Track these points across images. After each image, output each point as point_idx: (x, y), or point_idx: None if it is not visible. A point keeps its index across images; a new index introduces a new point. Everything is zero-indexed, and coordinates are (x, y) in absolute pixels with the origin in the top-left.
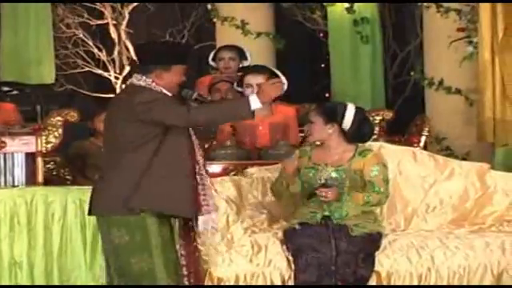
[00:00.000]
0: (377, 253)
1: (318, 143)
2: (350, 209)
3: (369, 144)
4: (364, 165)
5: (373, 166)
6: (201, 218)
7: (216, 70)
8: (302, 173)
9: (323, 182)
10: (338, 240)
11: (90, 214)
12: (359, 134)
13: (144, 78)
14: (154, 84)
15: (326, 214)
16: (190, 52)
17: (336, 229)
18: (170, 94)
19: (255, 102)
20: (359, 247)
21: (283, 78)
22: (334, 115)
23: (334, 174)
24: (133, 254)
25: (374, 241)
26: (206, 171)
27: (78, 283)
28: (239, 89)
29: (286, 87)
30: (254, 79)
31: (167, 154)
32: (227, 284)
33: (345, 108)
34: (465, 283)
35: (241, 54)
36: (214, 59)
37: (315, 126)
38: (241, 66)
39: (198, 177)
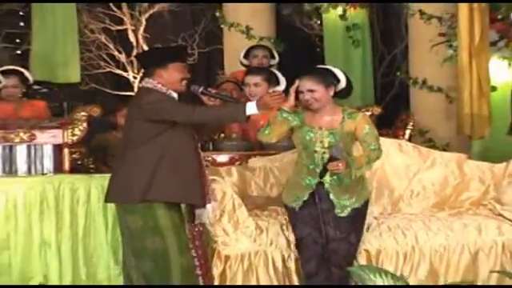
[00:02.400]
0: (366, 233)
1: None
2: (345, 175)
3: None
4: (355, 126)
5: (364, 126)
6: (208, 206)
7: (247, 67)
8: (298, 134)
9: (325, 151)
10: (326, 225)
11: (106, 201)
12: (349, 89)
13: (150, 80)
14: (159, 85)
15: (320, 180)
16: (183, 51)
17: (325, 210)
18: (174, 93)
19: (251, 109)
20: (347, 231)
21: (280, 76)
22: (331, 79)
23: (329, 138)
24: (147, 237)
25: (361, 215)
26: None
27: (101, 261)
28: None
29: (284, 86)
30: (252, 79)
31: (175, 148)
32: (233, 261)
33: (333, 71)
34: (445, 261)
35: (271, 53)
36: (245, 57)
37: (317, 93)
38: (270, 64)
39: (202, 169)
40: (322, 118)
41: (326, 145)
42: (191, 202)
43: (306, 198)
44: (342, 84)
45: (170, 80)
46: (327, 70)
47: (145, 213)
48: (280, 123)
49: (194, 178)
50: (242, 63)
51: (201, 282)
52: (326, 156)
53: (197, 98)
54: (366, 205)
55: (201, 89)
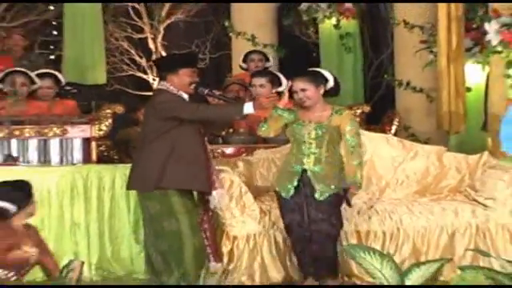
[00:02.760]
0: (357, 216)
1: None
2: (328, 164)
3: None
4: (341, 121)
5: (348, 122)
6: (214, 193)
7: (246, 70)
8: (290, 128)
9: (312, 141)
10: (308, 207)
11: (127, 189)
12: (336, 88)
13: (164, 83)
14: (171, 87)
15: (305, 167)
16: (192, 57)
17: (308, 194)
18: (185, 95)
19: (248, 108)
20: (328, 213)
21: (283, 78)
22: (320, 79)
23: (316, 130)
24: (164, 220)
25: (340, 199)
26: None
27: (124, 241)
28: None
29: (285, 87)
30: (258, 81)
31: (184, 142)
32: (240, 241)
33: (322, 72)
34: (426, 240)
35: (266, 57)
36: (244, 61)
37: (309, 91)
38: (265, 66)
39: (208, 160)
40: (312, 114)
41: (313, 136)
42: (198, 189)
43: (296, 185)
44: (331, 83)
45: (180, 83)
46: (317, 71)
47: (161, 199)
48: (275, 119)
49: (201, 168)
50: (241, 67)
51: (211, 260)
52: (313, 146)
53: (204, 99)
54: (345, 191)
55: (206, 91)
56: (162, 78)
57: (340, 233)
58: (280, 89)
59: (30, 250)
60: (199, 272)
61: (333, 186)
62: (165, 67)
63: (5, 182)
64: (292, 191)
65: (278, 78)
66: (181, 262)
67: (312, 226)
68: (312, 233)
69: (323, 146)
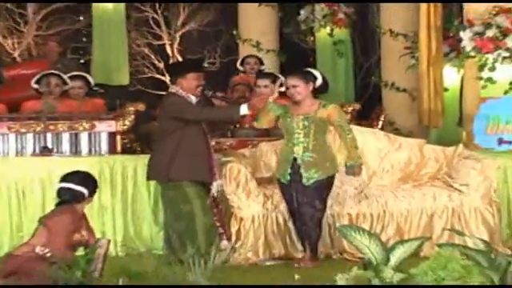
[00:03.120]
0: (349, 199)
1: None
2: (315, 152)
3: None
4: (328, 114)
5: (336, 113)
6: (214, 183)
7: (243, 72)
8: (282, 121)
9: (300, 132)
10: (296, 192)
11: (147, 179)
12: (325, 86)
13: (174, 86)
14: (180, 90)
15: (295, 155)
16: (198, 63)
17: (296, 180)
18: (193, 97)
19: (244, 110)
20: (312, 197)
21: (283, 79)
22: (310, 77)
23: (303, 122)
24: (180, 204)
25: (325, 186)
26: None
27: (145, 221)
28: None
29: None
30: (263, 82)
31: (188, 140)
32: (246, 222)
33: (311, 71)
34: (408, 221)
35: (260, 61)
36: (241, 64)
37: (299, 88)
38: (259, 69)
39: (210, 154)
40: (302, 108)
41: (301, 127)
42: (201, 179)
43: (290, 172)
44: (319, 81)
45: (188, 86)
46: (307, 70)
47: (176, 187)
48: (266, 113)
49: (204, 161)
50: (238, 69)
51: (224, 239)
52: (301, 136)
53: (210, 99)
54: (330, 178)
55: (210, 93)
56: (172, 82)
57: (324, 216)
58: (282, 89)
59: (84, 234)
60: (210, 249)
61: (320, 172)
62: (174, 72)
63: (78, 171)
64: (288, 177)
65: (280, 79)
66: (194, 240)
67: (299, 208)
68: (299, 215)
69: (310, 136)
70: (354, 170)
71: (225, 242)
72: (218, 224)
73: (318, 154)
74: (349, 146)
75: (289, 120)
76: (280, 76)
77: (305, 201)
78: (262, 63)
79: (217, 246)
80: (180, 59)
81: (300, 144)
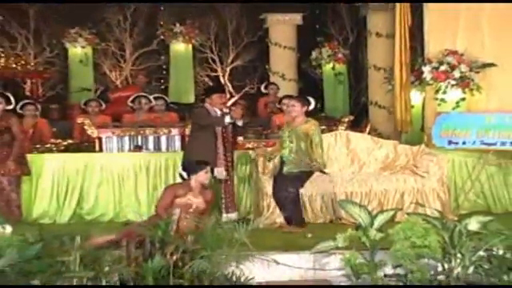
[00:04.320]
0: (345, 182)
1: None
2: (295, 154)
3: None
4: (307, 128)
5: (312, 128)
6: (215, 169)
7: (267, 94)
8: (280, 133)
9: (286, 140)
10: (276, 176)
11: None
12: (314, 109)
13: (206, 102)
14: (207, 105)
15: (284, 155)
16: (220, 88)
17: (280, 173)
18: (217, 110)
19: (227, 119)
20: (286, 183)
21: (312, 100)
22: (306, 102)
23: (286, 133)
24: None
25: (297, 178)
26: (220, 147)
27: None
28: (278, 105)
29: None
30: (287, 101)
31: (201, 138)
32: (270, 198)
33: (308, 98)
34: (386, 198)
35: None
36: (265, 88)
37: (296, 107)
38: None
39: (216, 148)
40: (294, 123)
41: (287, 135)
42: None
43: (279, 167)
44: (312, 106)
45: (213, 103)
46: (305, 96)
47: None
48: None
49: (209, 153)
50: (261, 91)
51: (223, 212)
52: (287, 142)
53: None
54: (304, 173)
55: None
56: (205, 99)
57: (296, 197)
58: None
59: (193, 200)
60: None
61: (295, 167)
62: (206, 94)
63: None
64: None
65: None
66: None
67: (278, 192)
68: (278, 196)
69: (293, 142)
70: (315, 167)
71: (224, 215)
72: (223, 200)
73: (298, 155)
74: (315, 151)
75: (283, 131)
76: (296, 96)
77: (279, 186)
78: (278, 88)
79: (217, 220)
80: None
81: (287, 147)
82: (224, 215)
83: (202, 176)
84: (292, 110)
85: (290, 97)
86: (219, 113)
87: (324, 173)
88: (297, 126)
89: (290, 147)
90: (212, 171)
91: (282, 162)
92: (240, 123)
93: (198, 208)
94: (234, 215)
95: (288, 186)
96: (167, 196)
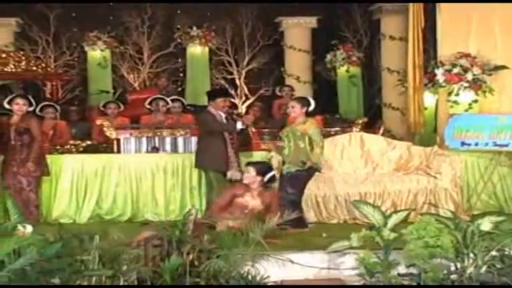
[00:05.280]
0: (359, 183)
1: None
2: (290, 156)
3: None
4: (304, 127)
5: (310, 127)
6: (228, 172)
7: (281, 97)
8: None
9: (285, 139)
10: (280, 183)
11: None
12: (314, 110)
13: (210, 106)
14: (212, 109)
15: (284, 154)
16: (224, 92)
17: (282, 169)
18: (222, 114)
19: (239, 125)
20: (285, 183)
21: (312, 101)
22: (307, 103)
23: (285, 132)
24: (208, 181)
25: (296, 178)
26: (231, 151)
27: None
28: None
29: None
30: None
31: (210, 141)
32: None
33: (308, 99)
34: (399, 198)
35: (292, 89)
36: (279, 91)
37: (296, 108)
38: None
39: (227, 151)
40: (295, 123)
41: (286, 135)
42: (215, 168)
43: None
44: (312, 107)
45: (217, 107)
46: (305, 97)
47: (205, 171)
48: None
49: (220, 155)
50: (276, 94)
51: None
52: (286, 141)
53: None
54: (303, 173)
55: (231, 111)
56: (209, 103)
57: (296, 199)
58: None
59: (250, 202)
60: None
61: (290, 166)
62: (209, 97)
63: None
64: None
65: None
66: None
67: (279, 194)
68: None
69: (291, 141)
70: (306, 165)
71: None
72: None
73: (296, 153)
74: (314, 151)
75: (286, 132)
76: (310, 99)
77: (280, 186)
78: (293, 90)
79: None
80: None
81: (287, 146)
82: None
83: (249, 178)
84: (292, 111)
85: (295, 98)
86: (223, 116)
87: (315, 170)
88: (295, 126)
89: (289, 146)
90: (224, 174)
91: (283, 163)
92: (251, 129)
93: (254, 209)
94: None
95: (287, 187)
96: (227, 194)
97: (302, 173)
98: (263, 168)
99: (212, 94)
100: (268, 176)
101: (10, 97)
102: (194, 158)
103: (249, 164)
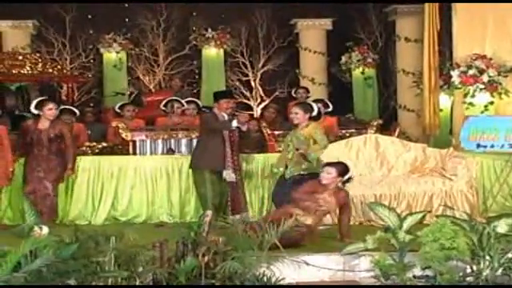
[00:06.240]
0: (375, 185)
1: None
2: (296, 157)
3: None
4: (308, 131)
5: (313, 130)
6: (224, 172)
7: (296, 99)
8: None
9: (290, 144)
10: (278, 180)
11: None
12: (318, 115)
13: (214, 107)
14: (215, 109)
15: (289, 157)
16: (227, 93)
17: (283, 173)
18: (225, 114)
19: (234, 124)
20: (285, 187)
21: (315, 107)
22: (310, 109)
23: (289, 137)
24: (201, 185)
25: (298, 183)
26: (228, 151)
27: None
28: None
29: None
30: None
31: (209, 141)
32: None
33: (311, 104)
34: (415, 200)
35: (307, 90)
36: (295, 93)
37: (299, 115)
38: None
39: (225, 151)
40: (298, 128)
41: (289, 140)
42: (212, 168)
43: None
44: (315, 112)
45: (220, 108)
46: (308, 103)
47: (198, 173)
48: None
49: (217, 155)
50: (292, 96)
51: (230, 215)
52: (290, 146)
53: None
54: (305, 177)
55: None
56: (214, 104)
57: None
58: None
59: (327, 199)
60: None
61: (293, 169)
62: (214, 98)
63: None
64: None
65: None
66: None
67: (275, 196)
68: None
69: (294, 146)
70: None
71: (230, 217)
72: (229, 202)
73: (298, 157)
74: (315, 147)
75: (290, 137)
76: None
77: (280, 190)
78: (308, 92)
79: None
80: (261, 90)
81: (290, 151)
82: (230, 217)
83: (329, 179)
84: (295, 118)
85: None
86: (227, 117)
87: (317, 174)
88: (299, 130)
89: (293, 150)
90: (220, 174)
91: (286, 167)
92: (244, 128)
93: (330, 208)
94: (238, 216)
95: (287, 191)
96: (309, 187)
97: (304, 177)
98: (343, 169)
99: (215, 96)
100: (346, 177)
101: (37, 99)
102: (190, 160)
103: (329, 164)
